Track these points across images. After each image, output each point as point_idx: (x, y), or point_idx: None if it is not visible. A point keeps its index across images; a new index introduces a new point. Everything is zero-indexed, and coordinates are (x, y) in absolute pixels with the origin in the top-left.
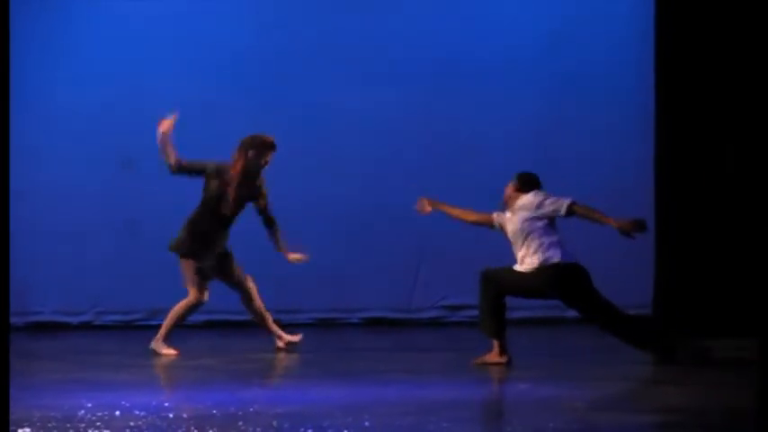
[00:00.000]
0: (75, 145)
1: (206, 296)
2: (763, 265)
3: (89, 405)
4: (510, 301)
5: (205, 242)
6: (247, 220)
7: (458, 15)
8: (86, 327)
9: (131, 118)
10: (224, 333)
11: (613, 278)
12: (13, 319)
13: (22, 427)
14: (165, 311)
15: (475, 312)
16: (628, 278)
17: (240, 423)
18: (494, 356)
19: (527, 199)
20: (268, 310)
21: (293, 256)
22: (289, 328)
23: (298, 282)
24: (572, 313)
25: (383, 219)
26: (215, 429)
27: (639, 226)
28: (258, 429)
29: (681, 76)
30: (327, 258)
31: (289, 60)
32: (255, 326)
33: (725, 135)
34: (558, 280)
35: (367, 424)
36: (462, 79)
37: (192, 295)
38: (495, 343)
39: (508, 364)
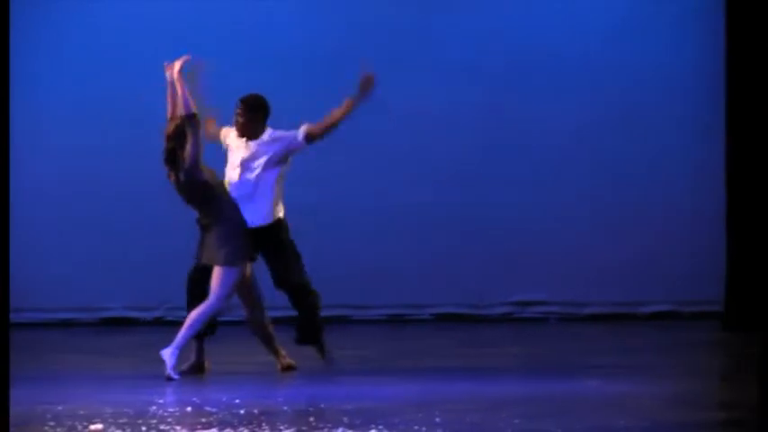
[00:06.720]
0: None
1: None
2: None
3: (160, 401)
4: (578, 297)
5: None
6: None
7: (526, 13)
8: (158, 322)
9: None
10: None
11: (685, 275)
12: (84, 315)
13: (94, 422)
14: (236, 306)
15: (546, 308)
16: (699, 275)
17: (311, 419)
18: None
19: None
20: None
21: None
22: (359, 324)
23: (367, 279)
24: (642, 309)
25: (453, 217)
26: (286, 425)
27: (366, 83)
28: (329, 425)
29: (753, 69)
30: (397, 255)
31: (348, 59)
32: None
33: None
34: None
35: (437, 420)
36: (524, 77)
37: None
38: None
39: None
